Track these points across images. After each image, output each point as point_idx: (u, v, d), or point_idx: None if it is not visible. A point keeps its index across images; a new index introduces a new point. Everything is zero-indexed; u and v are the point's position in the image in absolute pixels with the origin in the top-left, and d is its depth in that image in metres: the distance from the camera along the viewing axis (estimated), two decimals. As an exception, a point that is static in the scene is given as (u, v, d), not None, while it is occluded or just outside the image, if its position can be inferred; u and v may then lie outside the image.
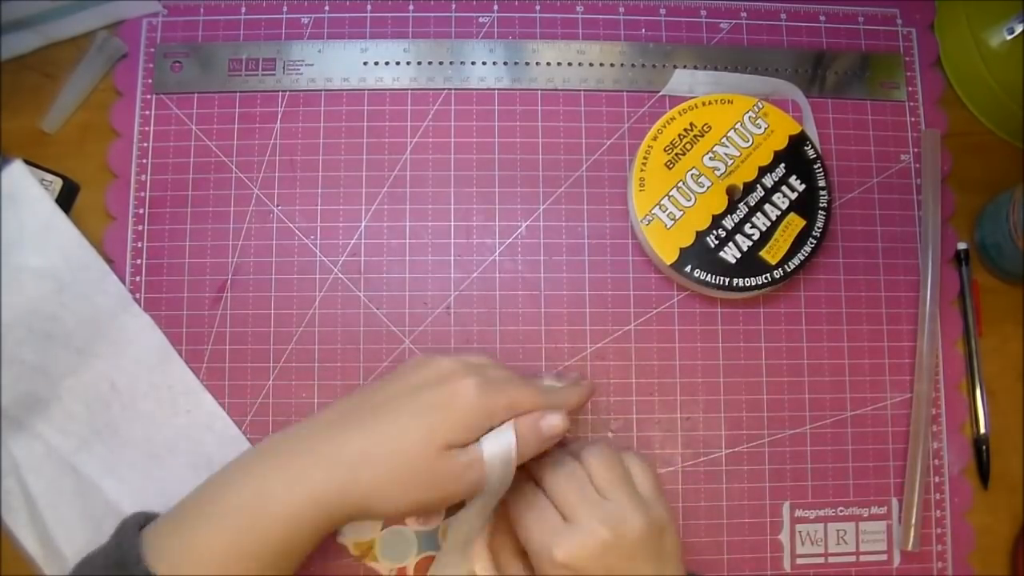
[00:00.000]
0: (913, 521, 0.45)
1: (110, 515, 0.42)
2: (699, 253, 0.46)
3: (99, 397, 0.43)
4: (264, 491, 0.35)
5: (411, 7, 0.50)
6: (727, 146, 0.48)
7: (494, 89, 0.49)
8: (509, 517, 0.39)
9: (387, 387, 0.38)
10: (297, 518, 0.34)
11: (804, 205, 0.47)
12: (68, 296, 0.43)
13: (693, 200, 0.47)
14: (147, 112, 0.48)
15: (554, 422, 0.37)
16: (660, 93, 0.49)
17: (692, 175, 0.47)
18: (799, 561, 0.46)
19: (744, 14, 0.51)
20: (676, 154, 0.47)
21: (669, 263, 0.46)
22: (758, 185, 0.47)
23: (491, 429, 0.36)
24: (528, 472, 0.39)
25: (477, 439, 0.36)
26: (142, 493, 0.42)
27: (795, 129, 0.48)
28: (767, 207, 0.47)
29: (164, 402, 0.44)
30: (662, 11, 0.51)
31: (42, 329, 0.42)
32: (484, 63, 0.49)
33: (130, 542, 0.34)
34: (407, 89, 0.49)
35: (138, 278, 0.46)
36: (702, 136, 0.48)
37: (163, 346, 0.45)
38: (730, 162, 0.47)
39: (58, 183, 0.46)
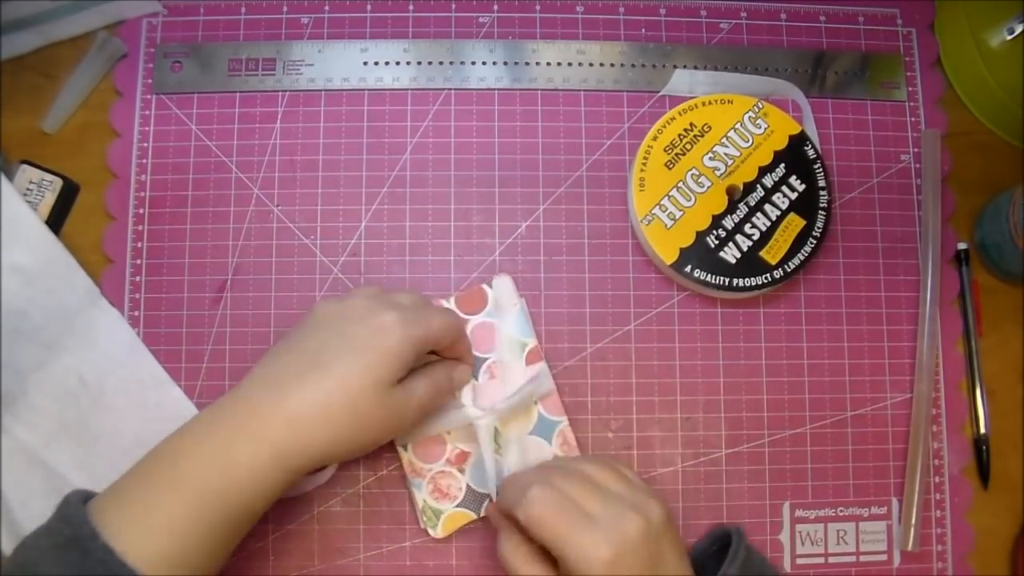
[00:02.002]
0: (913, 521, 0.45)
1: None
2: (699, 253, 0.46)
3: (67, 392, 0.44)
4: (226, 457, 0.35)
5: (411, 7, 0.50)
6: (727, 146, 0.48)
7: (494, 89, 0.49)
8: (525, 527, 0.38)
9: (315, 334, 0.38)
10: (263, 479, 0.35)
11: (804, 205, 0.47)
12: (35, 291, 0.43)
13: (693, 200, 0.47)
14: (147, 112, 0.48)
15: (464, 377, 0.43)
16: (660, 93, 0.49)
17: (692, 175, 0.47)
18: (799, 561, 0.46)
19: (744, 14, 0.51)
20: (676, 154, 0.47)
21: (669, 263, 0.46)
22: (758, 185, 0.47)
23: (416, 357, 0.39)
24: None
25: (409, 370, 0.39)
26: None
27: (795, 129, 0.48)
28: (767, 207, 0.47)
29: (133, 396, 0.44)
30: (662, 11, 0.51)
31: (9, 324, 0.42)
32: (484, 63, 0.49)
33: (79, 518, 0.33)
34: (407, 89, 0.49)
35: (138, 278, 0.46)
36: (702, 136, 0.48)
37: (132, 340, 0.45)
38: (730, 162, 0.47)
39: (58, 183, 0.46)
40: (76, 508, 0.34)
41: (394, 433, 0.40)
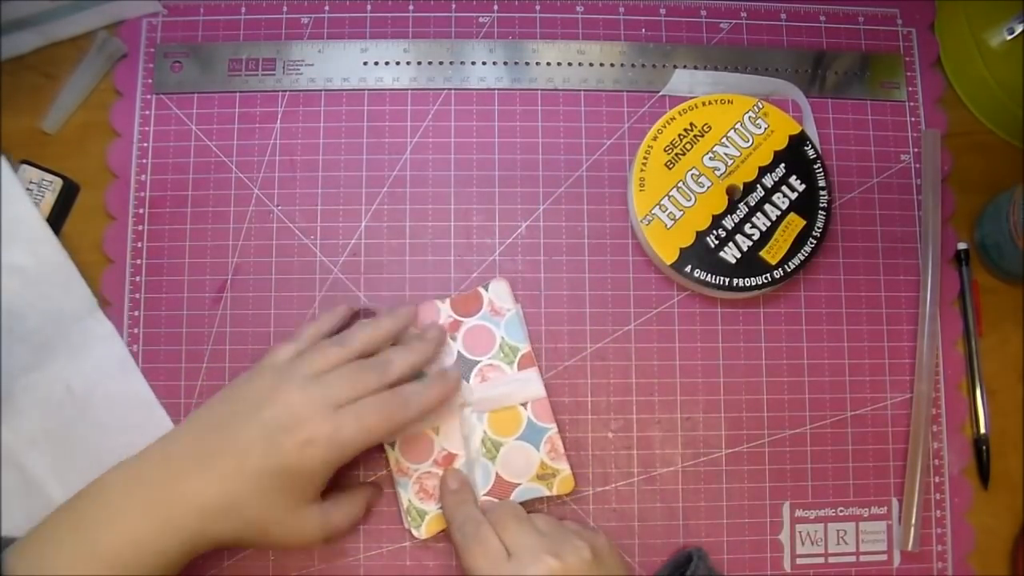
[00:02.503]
0: (913, 521, 0.45)
1: None
2: (699, 253, 0.46)
3: (53, 398, 0.43)
4: (136, 538, 0.35)
5: (411, 7, 0.50)
6: (727, 146, 0.48)
7: (494, 89, 0.49)
8: (454, 545, 0.41)
9: (242, 426, 0.38)
10: (168, 558, 0.36)
11: (804, 205, 0.47)
12: (33, 294, 0.43)
13: (693, 200, 0.47)
14: (147, 112, 0.48)
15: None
16: (660, 93, 0.49)
17: (692, 175, 0.47)
18: (799, 561, 0.46)
19: (744, 14, 0.51)
20: (676, 154, 0.47)
21: (669, 263, 0.46)
22: (758, 185, 0.47)
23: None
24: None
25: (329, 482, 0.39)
26: None
27: (795, 129, 0.48)
28: (767, 207, 0.47)
29: (118, 412, 0.44)
30: (662, 11, 0.51)
31: (3, 324, 0.42)
32: (484, 63, 0.49)
33: None
34: (407, 89, 0.49)
35: (138, 278, 0.46)
36: (702, 136, 0.48)
37: (124, 357, 0.45)
38: (730, 162, 0.47)
39: (58, 183, 0.46)
40: None
41: (309, 546, 0.42)
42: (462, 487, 0.43)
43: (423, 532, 0.43)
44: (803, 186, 0.47)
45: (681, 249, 0.46)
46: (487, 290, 0.46)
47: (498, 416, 0.44)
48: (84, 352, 0.44)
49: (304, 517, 0.39)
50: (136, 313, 0.46)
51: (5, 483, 0.42)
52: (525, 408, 0.44)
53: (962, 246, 0.49)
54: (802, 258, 0.46)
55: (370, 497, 0.43)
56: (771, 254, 0.46)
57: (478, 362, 0.45)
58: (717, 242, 0.46)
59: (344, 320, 0.44)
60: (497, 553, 0.38)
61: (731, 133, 0.48)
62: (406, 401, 0.40)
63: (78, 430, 0.44)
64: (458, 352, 0.45)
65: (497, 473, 0.44)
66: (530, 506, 0.44)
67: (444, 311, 0.45)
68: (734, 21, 0.51)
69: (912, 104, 0.51)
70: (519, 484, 0.44)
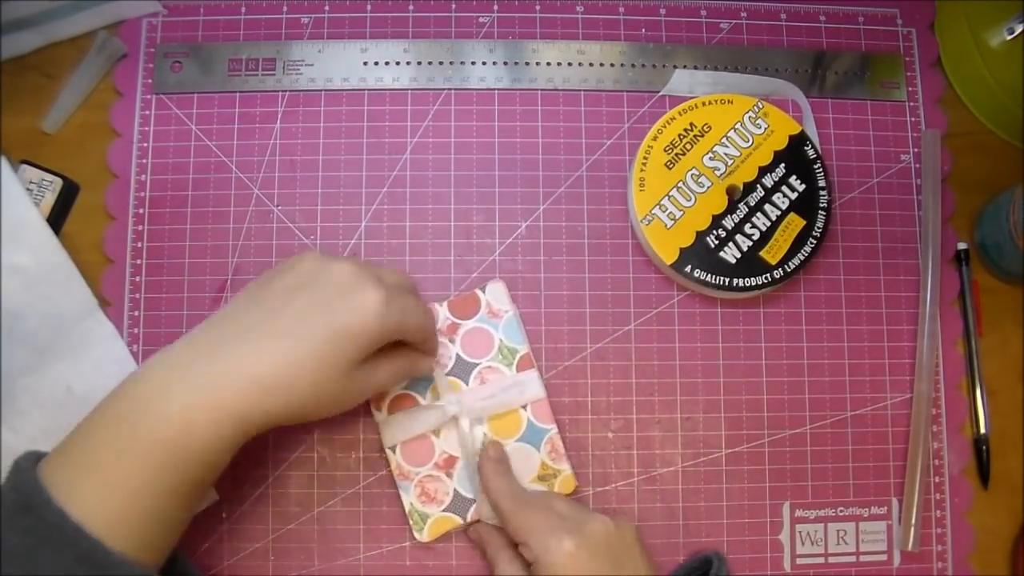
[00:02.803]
0: (913, 521, 0.45)
1: None
2: (699, 253, 0.46)
3: (54, 399, 0.43)
4: (187, 421, 0.33)
5: (411, 7, 0.50)
6: (727, 146, 0.48)
7: (494, 89, 0.49)
8: (503, 516, 0.41)
9: (296, 291, 0.37)
10: (221, 441, 0.34)
11: (804, 205, 0.47)
12: (33, 295, 0.43)
13: (693, 200, 0.47)
14: (147, 112, 0.48)
15: (427, 368, 0.43)
16: (660, 93, 0.49)
17: (692, 175, 0.47)
18: (799, 561, 0.46)
19: (744, 14, 0.51)
20: (676, 154, 0.47)
21: (669, 263, 0.46)
22: (758, 185, 0.47)
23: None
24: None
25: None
26: None
27: (795, 129, 0.48)
28: (767, 207, 0.47)
29: None
30: (662, 11, 0.51)
31: (3, 325, 0.42)
32: (484, 63, 0.49)
33: (31, 484, 0.32)
34: (407, 89, 0.49)
35: (138, 278, 0.46)
36: (702, 136, 0.48)
37: (124, 357, 0.45)
38: (730, 162, 0.47)
39: (58, 183, 0.46)
40: (27, 474, 0.32)
41: (346, 408, 0.39)
42: (503, 458, 0.43)
43: (425, 535, 0.43)
44: (803, 186, 0.47)
45: (681, 249, 0.46)
46: (484, 292, 0.46)
47: (498, 418, 0.44)
48: (84, 353, 0.44)
49: (355, 379, 0.37)
50: (136, 313, 0.46)
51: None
52: (525, 410, 0.44)
53: (962, 246, 0.49)
54: (802, 258, 0.46)
55: (414, 360, 0.42)
56: (771, 254, 0.46)
57: (477, 364, 0.45)
58: (717, 242, 0.46)
59: None
60: (552, 512, 0.40)
61: (731, 133, 0.48)
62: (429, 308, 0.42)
63: None
64: (456, 354, 0.45)
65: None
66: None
67: (442, 314, 0.45)
68: (734, 21, 0.51)
69: (912, 104, 0.51)
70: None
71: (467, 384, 0.44)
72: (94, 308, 0.45)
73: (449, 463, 0.44)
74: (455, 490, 0.44)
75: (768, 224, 0.47)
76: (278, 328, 0.36)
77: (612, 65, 0.49)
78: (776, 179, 0.47)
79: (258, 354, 0.35)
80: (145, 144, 0.48)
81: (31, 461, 0.33)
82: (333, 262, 0.38)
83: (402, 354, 0.41)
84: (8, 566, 0.31)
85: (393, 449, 0.44)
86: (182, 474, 0.33)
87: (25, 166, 0.46)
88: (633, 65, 0.50)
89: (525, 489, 0.43)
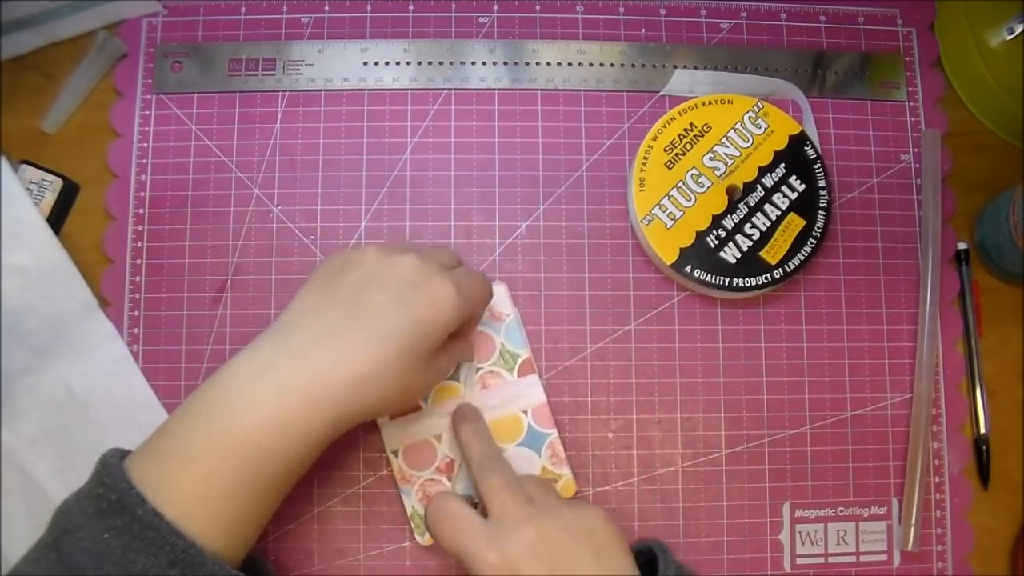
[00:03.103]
0: (913, 521, 0.45)
1: None
2: (699, 253, 0.46)
3: (54, 399, 0.43)
4: (283, 419, 0.34)
5: (411, 7, 0.50)
6: (727, 146, 0.48)
7: (494, 89, 0.49)
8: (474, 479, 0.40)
9: (367, 287, 0.37)
10: (316, 437, 0.35)
11: (804, 205, 0.47)
12: (33, 294, 0.43)
13: (693, 200, 0.47)
14: (147, 112, 0.48)
15: (470, 354, 0.44)
16: (660, 93, 0.49)
17: (692, 175, 0.47)
18: (799, 561, 0.46)
19: (744, 14, 0.51)
20: (676, 154, 0.47)
21: (669, 263, 0.46)
22: (758, 185, 0.47)
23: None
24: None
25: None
26: None
27: (795, 129, 0.48)
28: (767, 207, 0.47)
29: (119, 413, 0.44)
30: (662, 11, 0.51)
31: (3, 324, 0.42)
32: (484, 63, 0.49)
33: (123, 482, 0.32)
34: (407, 89, 0.49)
35: (138, 278, 0.46)
36: (702, 136, 0.48)
37: (125, 358, 0.45)
38: (730, 162, 0.47)
39: (58, 183, 0.46)
40: (117, 471, 0.32)
41: (420, 399, 0.42)
42: (478, 420, 0.43)
43: (427, 539, 0.43)
44: (803, 186, 0.47)
45: (681, 249, 0.46)
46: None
47: (499, 423, 0.44)
48: (84, 353, 0.44)
49: (432, 368, 0.38)
50: (136, 313, 0.46)
51: (5, 484, 0.42)
52: (526, 415, 0.44)
53: (962, 246, 0.49)
54: (802, 258, 0.46)
55: (465, 345, 0.42)
56: (771, 254, 0.46)
57: (479, 369, 0.44)
58: (717, 242, 0.46)
59: None
60: (520, 491, 0.38)
61: (731, 133, 0.48)
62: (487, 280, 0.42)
63: (79, 431, 0.43)
64: None
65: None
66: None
67: None
68: (734, 21, 0.51)
69: (912, 104, 0.51)
70: None
71: (468, 387, 0.44)
72: (94, 308, 0.45)
73: (451, 467, 0.44)
74: (456, 494, 0.44)
75: (768, 224, 0.47)
76: (361, 326, 0.36)
77: (612, 65, 0.49)
78: (776, 179, 0.47)
79: (350, 353, 0.35)
80: (145, 144, 0.48)
81: (117, 458, 0.33)
82: (395, 254, 0.38)
83: (458, 342, 0.41)
84: (102, 566, 0.31)
85: (395, 453, 0.44)
86: (275, 473, 0.34)
87: (25, 166, 0.46)
88: (633, 65, 0.50)
89: (502, 457, 0.41)
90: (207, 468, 0.33)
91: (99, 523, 0.31)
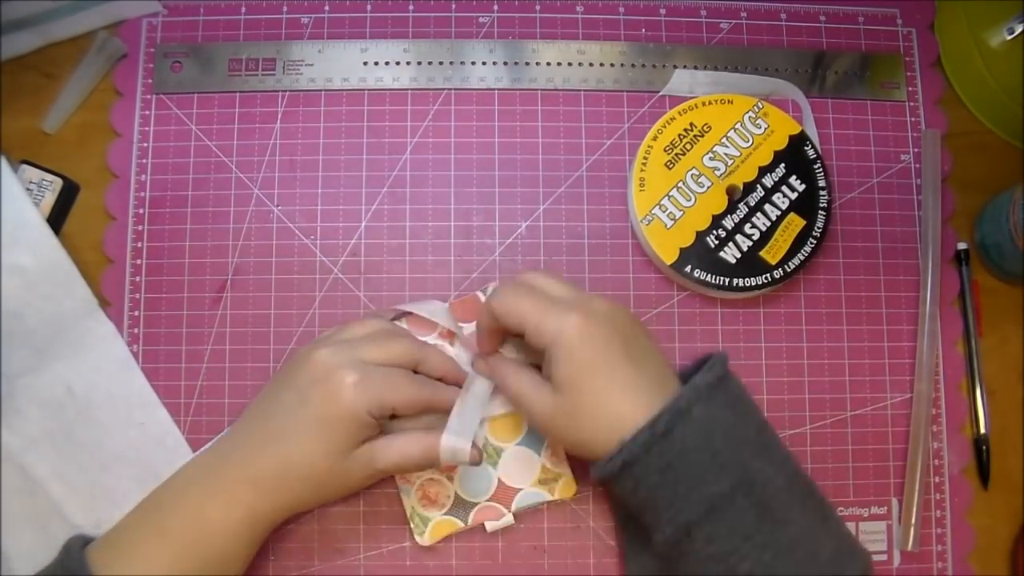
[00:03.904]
0: (913, 521, 0.45)
1: (55, 518, 0.42)
2: (699, 253, 0.46)
3: (54, 399, 0.44)
4: (202, 517, 0.37)
5: (411, 7, 0.50)
6: (727, 146, 0.48)
7: (494, 89, 0.49)
8: (500, 320, 0.39)
9: (282, 393, 0.40)
10: (235, 535, 0.38)
11: (804, 205, 0.47)
12: (33, 295, 0.43)
13: (693, 200, 0.47)
14: (147, 112, 0.48)
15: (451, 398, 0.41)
16: (660, 93, 0.49)
17: (692, 175, 0.47)
18: (799, 561, 0.46)
19: (744, 14, 0.51)
20: (676, 154, 0.47)
21: (669, 263, 0.46)
22: (758, 185, 0.47)
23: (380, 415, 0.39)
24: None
25: (378, 430, 0.39)
26: (88, 499, 0.43)
27: (795, 129, 0.48)
28: (767, 207, 0.47)
29: (119, 412, 0.44)
30: (662, 11, 0.51)
31: (4, 325, 0.42)
32: (484, 63, 0.49)
33: (77, 562, 0.36)
34: (407, 89, 0.49)
35: (138, 278, 0.46)
36: (702, 136, 0.48)
37: (124, 356, 0.45)
38: (730, 162, 0.47)
39: (58, 183, 0.46)
40: (75, 551, 0.37)
41: (357, 490, 0.41)
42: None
43: (426, 539, 0.43)
44: (803, 186, 0.47)
45: (681, 249, 0.46)
46: (486, 293, 0.46)
47: (499, 422, 0.44)
48: (84, 352, 0.44)
49: (353, 459, 0.39)
50: (136, 313, 0.46)
51: (7, 484, 0.42)
52: None
53: (962, 246, 0.49)
54: (802, 258, 0.46)
55: (424, 441, 0.39)
56: (771, 254, 0.46)
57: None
58: (717, 242, 0.46)
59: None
60: (548, 296, 0.39)
61: (731, 133, 0.48)
62: (434, 385, 0.41)
63: (79, 430, 0.44)
64: (458, 358, 0.44)
65: (499, 478, 0.44)
66: (532, 511, 0.44)
67: (444, 316, 0.45)
68: (734, 21, 0.51)
69: (912, 104, 0.51)
70: (521, 489, 0.44)
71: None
72: (94, 308, 0.45)
73: (450, 466, 0.44)
74: (456, 493, 0.44)
75: (768, 224, 0.47)
76: (270, 431, 0.39)
77: (612, 65, 0.49)
78: (776, 179, 0.47)
79: (253, 459, 0.38)
80: (145, 144, 0.48)
81: (80, 543, 0.38)
82: (314, 350, 0.39)
83: (410, 435, 0.40)
84: None
85: None
86: (203, 564, 0.37)
87: (25, 166, 0.46)
88: (633, 65, 0.50)
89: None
90: (147, 555, 0.37)
91: None
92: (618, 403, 0.36)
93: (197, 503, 0.38)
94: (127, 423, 0.44)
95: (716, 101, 0.48)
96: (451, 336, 0.45)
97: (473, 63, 0.49)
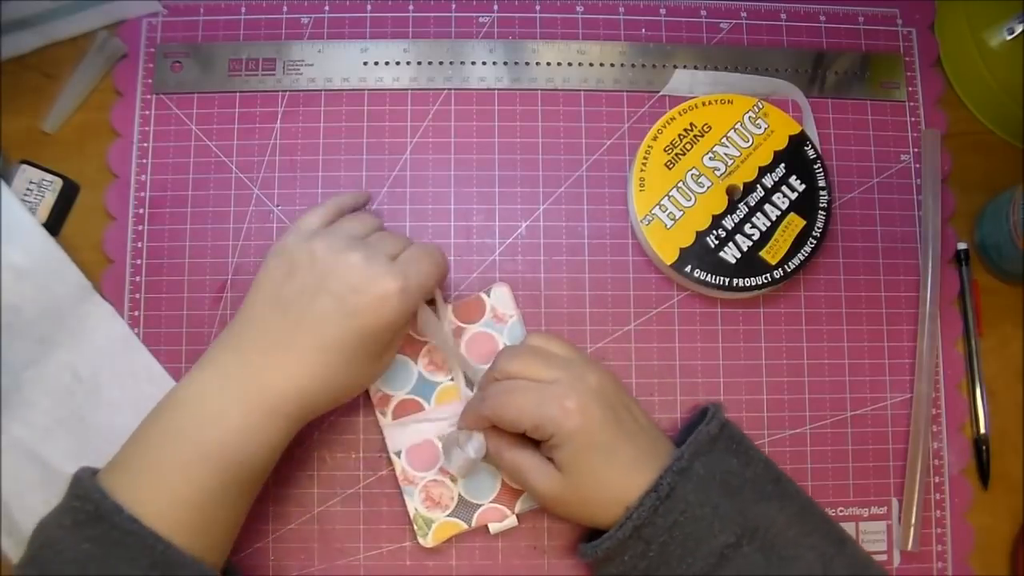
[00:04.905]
0: (913, 521, 0.45)
1: None
2: (699, 253, 0.46)
3: (62, 387, 0.44)
4: (241, 428, 0.36)
5: (411, 7, 0.50)
6: (727, 146, 0.48)
7: (494, 89, 0.49)
8: (499, 425, 0.40)
9: (313, 298, 0.37)
10: (275, 440, 0.37)
11: (804, 205, 0.47)
12: (27, 286, 0.43)
13: (693, 200, 0.47)
14: (147, 112, 0.48)
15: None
16: (660, 93, 0.49)
17: (692, 175, 0.47)
18: (799, 561, 0.46)
19: (744, 14, 0.51)
20: (676, 154, 0.47)
21: (669, 263, 0.46)
22: (758, 185, 0.47)
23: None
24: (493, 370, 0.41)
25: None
26: None
27: (795, 129, 0.48)
28: (767, 207, 0.47)
29: (128, 389, 0.44)
30: (662, 11, 0.51)
31: (2, 320, 0.42)
32: (484, 63, 0.49)
33: (98, 493, 0.33)
34: (407, 89, 0.49)
35: (138, 278, 0.46)
36: (702, 136, 0.48)
37: (126, 334, 0.45)
38: (730, 162, 0.47)
39: (58, 183, 0.46)
40: (91, 484, 0.34)
41: (377, 378, 0.43)
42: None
43: (430, 540, 0.43)
44: (803, 186, 0.47)
45: (681, 249, 0.46)
46: (489, 296, 0.45)
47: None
48: (85, 336, 0.44)
49: (384, 359, 0.40)
50: (136, 313, 0.46)
51: (26, 477, 0.42)
52: None
53: (962, 246, 0.49)
54: (802, 258, 0.46)
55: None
56: (771, 254, 0.46)
57: (481, 371, 0.44)
58: (717, 242, 0.46)
59: (365, 200, 0.45)
60: (536, 386, 0.39)
61: (731, 133, 0.48)
62: (441, 251, 0.41)
63: (91, 414, 0.44)
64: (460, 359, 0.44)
65: (502, 480, 0.44)
66: (533, 513, 0.44)
67: (447, 318, 0.45)
68: (734, 21, 0.51)
69: (912, 104, 0.51)
70: (523, 491, 0.44)
71: (472, 391, 0.44)
72: (89, 291, 0.45)
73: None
74: (459, 495, 0.44)
75: (768, 224, 0.47)
76: (308, 335, 0.37)
77: (612, 65, 0.49)
78: (776, 179, 0.47)
79: (297, 365, 0.37)
80: (145, 144, 0.48)
81: (89, 473, 0.35)
82: (343, 253, 0.38)
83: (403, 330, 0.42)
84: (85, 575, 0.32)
85: (398, 454, 0.44)
86: (243, 476, 0.36)
87: (25, 166, 0.46)
88: (633, 65, 0.50)
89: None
90: (177, 479, 0.35)
91: (78, 534, 0.33)
92: (621, 477, 0.38)
93: (239, 417, 0.36)
94: (137, 399, 0.44)
95: (716, 101, 0.48)
96: (457, 335, 0.45)
97: (473, 63, 0.49)
